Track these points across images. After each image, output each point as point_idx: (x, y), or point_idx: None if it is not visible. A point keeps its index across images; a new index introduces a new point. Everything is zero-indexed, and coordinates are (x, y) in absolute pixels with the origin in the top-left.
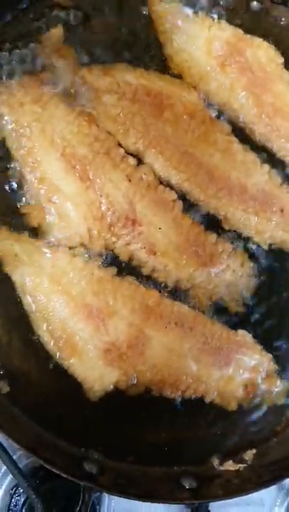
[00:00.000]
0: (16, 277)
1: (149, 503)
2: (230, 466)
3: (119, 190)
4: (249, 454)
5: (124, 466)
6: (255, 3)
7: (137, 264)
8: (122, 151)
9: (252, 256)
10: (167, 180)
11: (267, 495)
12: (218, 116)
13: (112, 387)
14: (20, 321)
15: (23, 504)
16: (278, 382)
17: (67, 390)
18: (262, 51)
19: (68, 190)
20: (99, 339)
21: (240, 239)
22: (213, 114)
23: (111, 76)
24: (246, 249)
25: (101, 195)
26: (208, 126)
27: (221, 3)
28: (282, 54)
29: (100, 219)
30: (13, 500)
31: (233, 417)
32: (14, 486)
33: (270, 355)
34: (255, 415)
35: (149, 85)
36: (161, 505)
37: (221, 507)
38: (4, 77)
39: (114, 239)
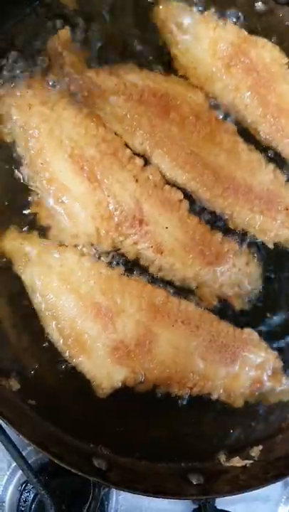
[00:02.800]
0: (25, 276)
1: (155, 499)
2: (236, 462)
3: (126, 190)
4: (255, 451)
5: (132, 462)
6: (259, 3)
7: (144, 263)
8: (128, 151)
9: (257, 255)
10: (173, 180)
11: (273, 491)
12: (223, 117)
13: (120, 384)
14: (30, 319)
15: (33, 500)
16: (284, 379)
17: (76, 387)
18: (266, 52)
19: (76, 190)
20: (107, 337)
21: (246, 238)
22: (219, 115)
23: (118, 77)
24: (252, 248)
25: (108, 195)
26: (213, 126)
27: (226, 4)
28: (287, 55)
29: (108, 219)
30: (22, 496)
31: (239, 414)
32: (24, 482)
33: (275, 353)
34: (261, 412)
35: (155, 86)
36: (167, 500)
37: (228, 503)
38: (12, 80)
39: (121, 238)
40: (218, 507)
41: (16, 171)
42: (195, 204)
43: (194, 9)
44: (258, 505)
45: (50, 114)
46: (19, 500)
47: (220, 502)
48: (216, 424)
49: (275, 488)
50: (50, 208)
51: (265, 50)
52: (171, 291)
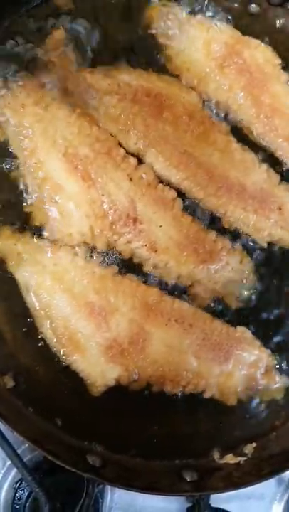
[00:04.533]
0: (19, 276)
1: (150, 497)
2: (230, 459)
3: (120, 189)
4: (249, 448)
5: (126, 459)
6: (253, 5)
7: (138, 261)
8: (122, 151)
9: (251, 253)
10: (167, 180)
11: (267, 489)
12: (217, 117)
13: (114, 382)
14: (25, 318)
15: (27, 498)
16: (277, 377)
17: (71, 384)
18: (259, 52)
19: (70, 189)
20: (101, 336)
21: (239, 236)
22: (212, 115)
23: (112, 77)
24: (245, 247)
25: (103, 194)
26: (207, 126)
27: (220, 5)
28: (280, 55)
29: (102, 217)
30: (17, 494)
31: (233, 412)
32: (18, 480)
33: (269, 351)
34: (255, 410)
35: (149, 86)
36: (162, 498)
37: (222, 501)
38: (6, 80)
39: (115, 237)
40: (213, 505)
41: (10, 171)
42: (189, 203)
43: (188, 10)
44: (252, 503)
45: (44, 114)
46: (14, 498)
47: (214, 500)
48: (210, 422)
49: (269, 486)
50: (44, 208)
51: (258, 50)
52: (165, 289)
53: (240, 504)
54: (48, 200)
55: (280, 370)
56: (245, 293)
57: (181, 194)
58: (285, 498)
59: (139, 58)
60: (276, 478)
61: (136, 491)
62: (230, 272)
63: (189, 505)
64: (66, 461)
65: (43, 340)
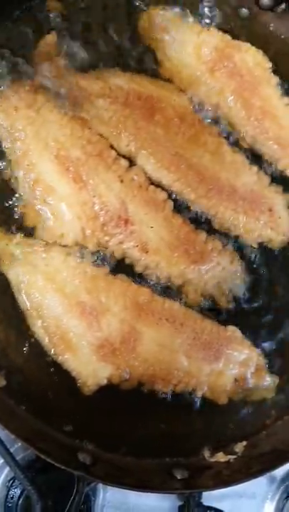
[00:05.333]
0: (11, 276)
1: (143, 495)
2: (220, 457)
3: (111, 190)
4: (239, 446)
5: (117, 457)
6: (243, 9)
7: (129, 262)
8: (114, 153)
9: (241, 254)
10: (158, 181)
11: (259, 488)
12: (207, 119)
13: (105, 381)
14: (17, 317)
15: (20, 496)
16: (267, 376)
17: (62, 383)
18: (250, 56)
19: (62, 191)
20: (92, 335)
21: (230, 237)
22: (203, 117)
23: (103, 81)
24: (236, 247)
25: (94, 196)
26: (198, 128)
27: (211, 9)
28: (270, 59)
29: (94, 219)
30: (10, 492)
31: (223, 411)
32: (11, 479)
33: (259, 350)
34: (245, 409)
35: (140, 89)
36: (154, 496)
37: (214, 500)
38: None
39: (107, 238)
40: (205, 503)
41: (2, 172)
42: (180, 204)
43: (179, 14)
44: (244, 502)
45: (36, 116)
46: (6, 497)
47: (206, 498)
48: (201, 421)
49: (261, 485)
50: (36, 209)
51: (248, 54)
52: (157, 289)
53: (232, 503)
54: (40, 201)
55: (270, 370)
56: (236, 293)
57: (172, 196)
58: (277, 497)
59: (131, 62)
60: (268, 477)
61: (126, 489)
62: (221, 273)
63: (181, 503)
64: (57, 458)
65: (34, 339)
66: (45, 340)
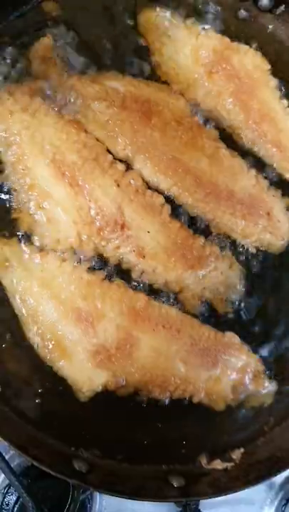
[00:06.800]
0: (6, 281)
1: (139, 502)
2: (218, 464)
3: (107, 195)
4: (237, 453)
5: (113, 464)
6: (242, 11)
7: (126, 267)
8: (110, 157)
9: (239, 258)
10: (155, 185)
11: (257, 494)
12: (205, 123)
13: (101, 388)
14: (12, 323)
15: (15, 503)
16: (266, 382)
17: (58, 390)
18: (248, 58)
19: (58, 195)
20: (88, 342)
21: (228, 242)
22: (201, 121)
23: (100, 84)
24: (234, 252)
25: (90, 200)
26: (195, 132)
27: (209, 11)
28: (269, 61)
29: (90, 223)
30: (5, 499)
31: (221, 417)
32: (6, 486)
33: (257, 356)
34: (243, 415)
35: (137, 92)
36: (151, 504)
37: (212, 506)
38: None
39: (103, 243)
40: (203, 510)
41: None
42: (177, 208)
43: (176, 16)
44: (242, 508)
45: (32, 120)
46: (2, 504)
47: (204, 505)
48: (198, 428)
49: (259, 491)
50: (32, 214)
51: (247, 56)
52: (153, 295)
53: (230, 509)
54: (36, 206)
55: (269, 376)
56: (234, 298)
57: (169, 200)
58: (276, 503)
59: (128, 64)
60: (266, 484)
61: (122, 497)
62: (219, 278)
63: (179, 510)
64: (52, 466)
65: (30, 345)
66: (40, 347)
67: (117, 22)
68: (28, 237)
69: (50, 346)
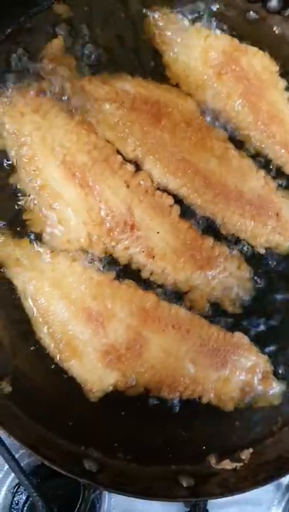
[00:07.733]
0: (17, 282)
1: (148, 502)
2: (227, 464)
3: (117, 196)
4: (246, 453)
5: (122, 464)
6: (251, 12)
7: (135, 267)
8: (120, 158)
9: (248, 259)
10: (165, 186)
11: (265, 495)
12: (214, 124)
13: (111, 388)
14: (22, 323)
15: (25, 502)
16: (274, 383)
17: (68, 390)
18: (257, 60)
19: (68, 196)
20: (98, 342)
21: (237, 242)
22: (210, 122)
23: (110, 85)
24: (243, 253)
25: (100, 201)
26: (204, 133)
27: (218, 13)
28: (278, 62)
29: (100, 224)
30: (15, 498)
31: (230, 418)
32: (16, 485)
33: (266, 357)
34: (252, 416)
35: (146, 94)
36: (160, 503)
37: (219, 507)
38: (5, 88)
39: (113, 243)
40: (211, 510)
41: (8, 178)
42: (186, 209)
43: (186, 18)
44: (250, 509)
45: (42, 121)
46: (11, 503)
47: (212, 505)
48: (207, 428)
49: (267, 492)
50: (43, 214)
51: (256, 58)
52: (163, 295)
53: (238, 509)
54: (47, 206)
55: (277, 376)
56: (243, 298)
57: (178, 201)
58: (283, 503)
59: (138, 66)
60: (274, 484)
61: (132, 497)
62: (228, 278)
63: (187, 510)
64: (62, 466)
65: (40, 345)
66: (50, 347)
67: (128, 23)
68: (39, 238)
69: (61, 346)
